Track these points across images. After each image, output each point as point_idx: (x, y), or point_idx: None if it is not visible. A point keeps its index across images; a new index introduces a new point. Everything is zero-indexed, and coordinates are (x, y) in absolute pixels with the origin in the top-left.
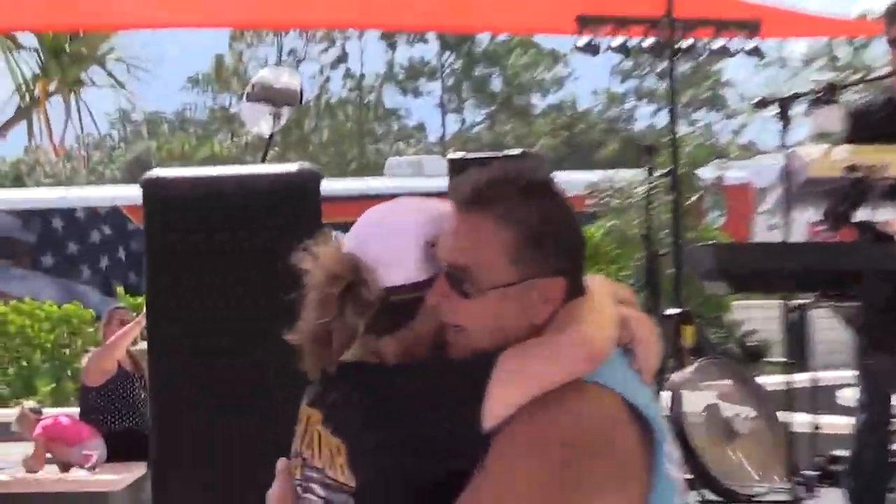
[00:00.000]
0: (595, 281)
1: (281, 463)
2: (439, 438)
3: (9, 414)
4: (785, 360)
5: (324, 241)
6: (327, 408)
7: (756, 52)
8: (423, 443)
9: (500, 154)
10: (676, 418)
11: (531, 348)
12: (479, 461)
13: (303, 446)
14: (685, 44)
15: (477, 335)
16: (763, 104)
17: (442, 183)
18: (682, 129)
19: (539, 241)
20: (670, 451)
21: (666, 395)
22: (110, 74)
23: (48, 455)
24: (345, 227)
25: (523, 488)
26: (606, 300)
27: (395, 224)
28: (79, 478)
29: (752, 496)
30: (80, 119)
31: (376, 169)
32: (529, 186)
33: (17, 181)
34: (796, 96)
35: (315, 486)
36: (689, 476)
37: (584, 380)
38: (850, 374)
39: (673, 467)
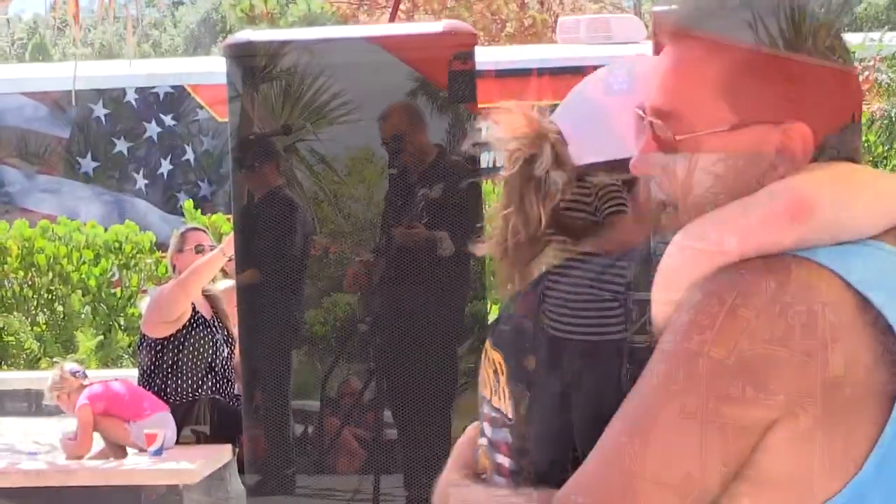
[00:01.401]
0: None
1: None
2: (600, 342)
3: (41, 378)
4: None
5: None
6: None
7: None
8: (585, 349)
9: None
10: None
11: (718, 212)
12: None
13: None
14: None
15: (687, 213)
16: None
17: (638, 51)
18: None
19: (765, 71)
20: None
21: None
22: None
23: (96, 435)
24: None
25: (662, 393)
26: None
27: (598, 87)
28: (139, 466)
29: None
30: None
31: (542, 32)
32: (751, 1)
33: (40, 52)
34: None
35: (485, 427)
36: None
37: (794, 254)
38: None
39: None
